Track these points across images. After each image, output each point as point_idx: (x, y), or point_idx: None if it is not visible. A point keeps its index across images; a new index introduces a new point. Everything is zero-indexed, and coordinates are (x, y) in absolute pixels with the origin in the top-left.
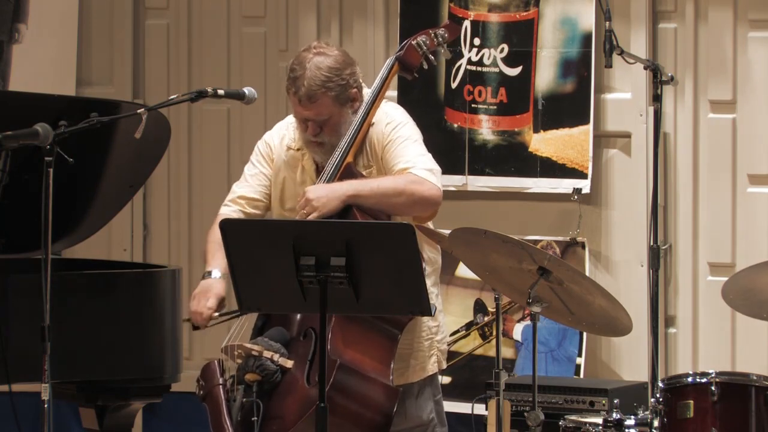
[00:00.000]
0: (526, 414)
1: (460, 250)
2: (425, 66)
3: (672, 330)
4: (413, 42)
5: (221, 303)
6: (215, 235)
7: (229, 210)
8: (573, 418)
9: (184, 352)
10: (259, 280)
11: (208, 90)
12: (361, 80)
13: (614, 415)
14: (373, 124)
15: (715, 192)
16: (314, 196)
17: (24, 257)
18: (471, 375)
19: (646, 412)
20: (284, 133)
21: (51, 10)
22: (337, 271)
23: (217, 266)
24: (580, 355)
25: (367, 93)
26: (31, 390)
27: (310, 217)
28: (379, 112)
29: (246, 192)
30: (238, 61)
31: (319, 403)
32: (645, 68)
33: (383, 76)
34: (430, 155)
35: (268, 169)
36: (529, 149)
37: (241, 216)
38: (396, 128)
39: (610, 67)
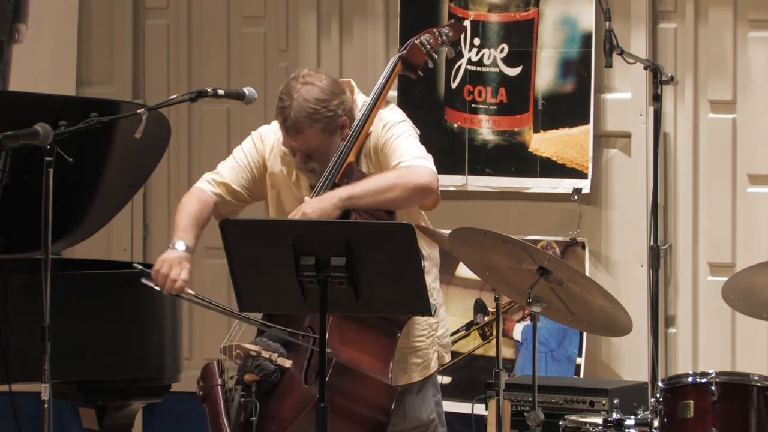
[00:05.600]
0: (526, 414)
1: (460, 250)
2: (430, 65)
3: (672, 330)
4: (417, 41)
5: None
6: (189, 205)
7: (210, 189)
8: (573, 418)
9: (184, 352)
10: (259, 280)
11: (208, 90)
12: (352, 105)
13: (614, 415)
14: (370, 133)
15: (715, 192)
16: (310, 209)
17: (24, 257)
18: (471, 375)
19: (646, 412)
20: (281, 135)
21: (51, 10)
22: (337, 271)
23: (185, 240)
24: (580, 355)
25: (365, 100)
26: (31, 390)
27: None
28: (375, 119)
29: (230, 181)
30: (238, 61)
31: (319, 403)
32: (645, 68)
33: (386, 75)
34: (423, 147)
35: (256, 162)
36: (529, 149)
37: (216, 200)
38: (390, 129)
39: (610, 67)
